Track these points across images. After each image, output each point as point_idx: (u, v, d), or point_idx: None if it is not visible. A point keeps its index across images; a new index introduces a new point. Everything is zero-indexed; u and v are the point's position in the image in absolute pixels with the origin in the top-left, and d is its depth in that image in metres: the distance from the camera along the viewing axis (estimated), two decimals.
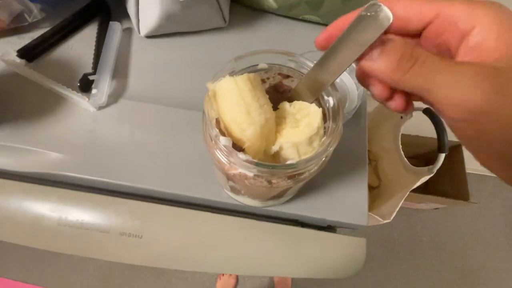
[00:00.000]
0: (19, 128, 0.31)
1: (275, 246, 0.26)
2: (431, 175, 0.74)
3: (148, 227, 0.27)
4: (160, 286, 1.03)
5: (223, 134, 0.18)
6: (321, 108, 0.18)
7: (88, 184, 0.30)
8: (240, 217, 0.28)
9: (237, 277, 1.03)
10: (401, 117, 0.79)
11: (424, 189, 1.09)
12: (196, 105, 0.33)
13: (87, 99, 0.31)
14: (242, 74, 0.19)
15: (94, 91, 0.31)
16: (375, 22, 0.13)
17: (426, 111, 0.69)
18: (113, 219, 0.28)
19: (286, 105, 0.20)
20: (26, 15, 0.35)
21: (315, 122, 0.18)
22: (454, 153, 1.09)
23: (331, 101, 0.18)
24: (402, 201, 0.80)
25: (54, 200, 0.28)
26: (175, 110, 0.33)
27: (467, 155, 1.03)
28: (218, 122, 0.19)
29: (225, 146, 0.16)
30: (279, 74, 0.21)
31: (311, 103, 0.19)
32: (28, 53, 0.34)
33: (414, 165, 0.72)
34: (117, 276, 1.04)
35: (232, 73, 0.19)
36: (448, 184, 1.09)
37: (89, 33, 0.37)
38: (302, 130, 0.18)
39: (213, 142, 0.18)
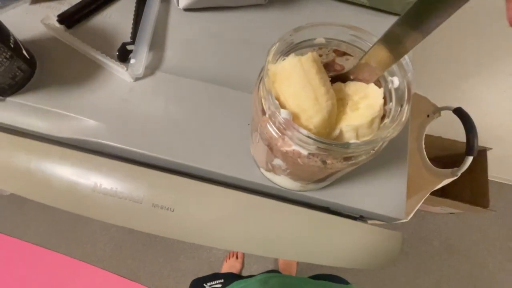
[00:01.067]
0: (57, 93, 0.31)
1: (308, 232, 0.26)
2: (455, 178, 0.71)
3: (180, 201, 0.27)
4: (168, 261, 1.06)
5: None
6: (382, 88, 0.17)
7: (121, 154, 0.30)
8: (272, 199, 0.28)
9: (243, 261, 1.04)
10: (428, 116, 0.77)
11: (441, 192, 1.07)
12: (231, 82, 0.32)
13: (125, 68, 0.31)
14: (299, 50, 0.18)
15: (132, 61, 0.31)
16: None
17: (457, 111, 0.67)
18: (146, 190, 0.28)
19: (341, 85, 0.19)
20: None
21: (376, 104, 0.17)
22: (478, 158, 1.06)
23: (395, 81, 0.17)
24: (422, 202, 0.78)
25: (90, 167, 0.29)
26: (211, 86, 0.32)
27: (491, 161, 0.99)
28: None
29: (285, 119, 0.15)
30: (335, 51, 0.20)
31: (370, 83, 0.18)
32: (68, 19, 0.34)
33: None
34: (128, 247, 1.07)
35: (290, 48, 0.18)
36: (467, 189, 1.06)
37: (128, 2, 0.36)
38: (363, 113, 0.17)
39: (267, 116, 0.17)
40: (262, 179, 0.28)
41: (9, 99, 0.30)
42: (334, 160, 0.17)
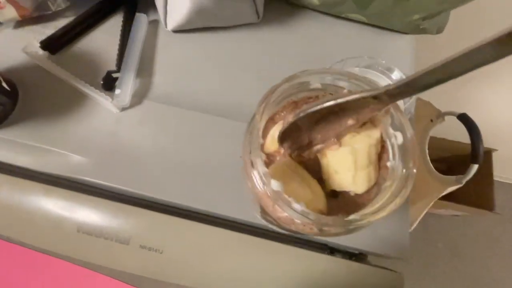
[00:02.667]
0: (40, 126, 0.30)
1: (304, 275, 0.24)
2: (459, 185, 0.70)
3: (170, 242, 0.26)
4: None
5: (267, 163, 0.16)
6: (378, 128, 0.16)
7: (108, 190, 0.29)
8: (266, 238, 0.26)
9: None
10: (431, 121, 0.75)
11: (445, 194, 1.05)
12: (224, 111, 0.30)
13: (110, 99, 0.29)
14: (293, 95, 0.17)
15: (117, 91, 0.29)
16: None
17: (461, 117, 0.65)
18: (133, 230, 0.26)
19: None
20: (50, 3, 0.33)
21: (374, 134, 0.15)
22: (483, 159, 1.03)
23: (399, 137, 0.15)
24: (426, 211, 0.77)
25: (74, 206, 0.27)
26: (203, 115, 0.30)
27: (496, 162, 0.97)
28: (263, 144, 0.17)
29: (276, 191, 0.14)
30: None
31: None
32: (51, 45, 0.32)
33: (436, 168, 0.68)
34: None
35: (283, 97, 0.17)
36: (472, 192, 1.04)
37: (114, 24, 0.34)
38: (361, 138, 0.15)
39: (255, 171, 0.15)
40: (257, 219, 0.26)
41: None
42: (331, 227, 0.15)
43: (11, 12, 0.33)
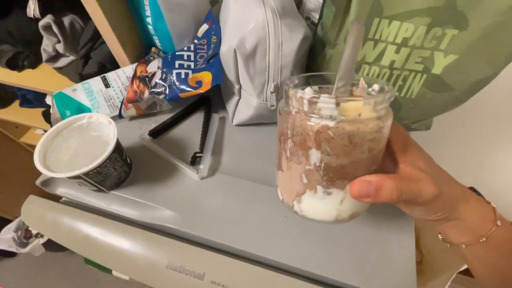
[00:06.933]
0: (145, 188, 0.43)
1: None
2: None
3: (235, 280, 0.35)
4: None
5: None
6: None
7: (189, 237, 0.39)
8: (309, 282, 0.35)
9: None
10: None
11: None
12: (271, 181, 0.42)
13: (196, 171, 0.43)
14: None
15: (201, 166, 0.43)
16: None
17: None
18: (207, 268, 0.36)
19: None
20: (158, 106, 0.50)
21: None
22: None
23: (376, 87, 0.25)
24: (449, 283, 0.77)
25: (165, 248, 0.38)
26: (256, 184, 0.42)
27: None
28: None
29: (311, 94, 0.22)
30: None
31: None
32: (155, 133, 0.48)
33: None
34: None
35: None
36: None
37: (197, 119, 0.50)
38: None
39: (295, 107, 0.23)
40: (309, 265, 0.35)
41: (111, 192, 0.42)
42: (359, 136, 0.21)
43: (132, 111, 0.50)
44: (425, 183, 0.23)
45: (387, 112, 0.24)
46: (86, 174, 0.35)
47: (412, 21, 0.33)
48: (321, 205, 0.26)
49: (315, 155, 0.23)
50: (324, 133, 0.22)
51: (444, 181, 0.26)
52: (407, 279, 0.34)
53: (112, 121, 0.39)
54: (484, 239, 0.26)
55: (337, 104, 0.21)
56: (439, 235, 0.31)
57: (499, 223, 0.26)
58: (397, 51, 0.36)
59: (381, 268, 0.35)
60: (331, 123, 0.22)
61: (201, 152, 0.45)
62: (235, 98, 0.47)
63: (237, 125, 0.49)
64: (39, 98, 0.99)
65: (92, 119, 0.40)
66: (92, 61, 0.65)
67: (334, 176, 0.24)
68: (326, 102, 0.21)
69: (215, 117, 0.49)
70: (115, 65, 0.56)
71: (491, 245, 0.26)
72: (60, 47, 0.69)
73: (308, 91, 0.26)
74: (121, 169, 0.40)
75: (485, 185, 0.90)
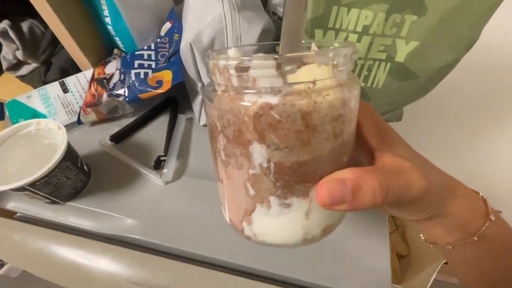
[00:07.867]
0: (104, 197, 0.40)
1: None
2: None
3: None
4: None
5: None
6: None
7: (153, 246, 0.37)
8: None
9: None
10: None
11: None
12: None
13: (159, 176, 0.40)
14: None
15: (165, 170, 0.40)
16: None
17: None
18: (171, 280, 0.33)
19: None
20: (120, 110, 0.47)
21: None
22: None
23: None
24: (435, 274, 0.77)
25: (126, 261, 0.35)
26: None
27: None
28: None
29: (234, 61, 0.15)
30: None
31: None
32: (117, 138, 0.45)
33: None
34: None
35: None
36: None
37: (162, 121, 0.48)
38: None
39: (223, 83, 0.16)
40: (270, 266, 0.33)
41: (67, 203, 0.39)
42: (315, 118, 0.14)
43: (92, 116, 0.47)
44: (412, 174, 0.18)
45: (351, 78, 0.17)
46: (32, 185, 0.32)
47: (371, 8, 0.32)
48: (280, 223, 0.18)
49: (258, 152, 0.16)
50: (266, 116, 0.15)
51: (429, 170, 0.20)
52: (382, 280, 0.32)
53: (62, 126, 0.36)
54: (476, 238, 0.21)
55: (279, 69, 0.14)
56: (421, 236, 0.25)
57: (492, 217, 0.21)
58: (358, 40, 0.35)
59: (355, 269, 0.33)
60: (274, 99, 0.14)
61: (166, 155, 0.42)
62: (200, 96, 0.45)
63: (205, 125, 0.47)
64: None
65: (41, 125, 0.37)
66: (53, 67, 0.62)
67: (291, 179, 0.16)
68: (262, 67, 0.14)
69: (182, 118, 0.47)
70: (78, 70, 0.53)
71: (482, 245, 0.21)
72: (19, 54, 0.65)
73: (234, 53, 0.19)
74: (76, 178, 0.37)
75: (467, 176, 0.90)
